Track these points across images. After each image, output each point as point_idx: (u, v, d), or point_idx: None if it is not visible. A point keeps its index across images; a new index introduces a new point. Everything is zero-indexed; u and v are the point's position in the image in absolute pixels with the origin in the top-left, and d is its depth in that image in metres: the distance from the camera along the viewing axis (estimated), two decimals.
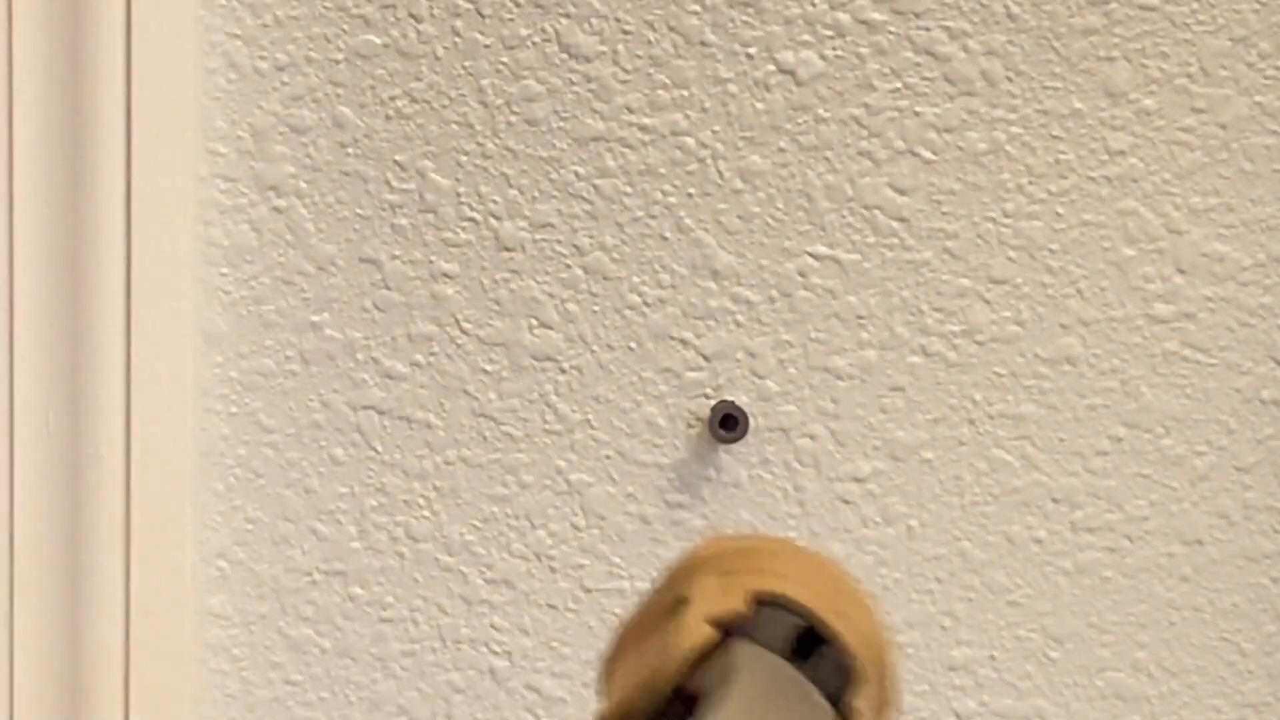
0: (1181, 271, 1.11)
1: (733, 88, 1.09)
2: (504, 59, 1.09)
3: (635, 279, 1.11)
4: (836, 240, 1.10)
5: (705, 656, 0.74)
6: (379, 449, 1.13)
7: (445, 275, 1.11)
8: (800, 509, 1.13)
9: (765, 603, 0.75)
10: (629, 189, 1.10)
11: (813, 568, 0.78)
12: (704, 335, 1.12)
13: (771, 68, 1.09)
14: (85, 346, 1.09)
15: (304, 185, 1.11)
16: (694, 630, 0.74)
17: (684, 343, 1.12)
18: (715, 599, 0.76)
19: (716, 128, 1.10)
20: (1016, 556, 1.14)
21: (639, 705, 0.75)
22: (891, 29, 1.09)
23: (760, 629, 0.75)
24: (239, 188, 1.11)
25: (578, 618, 1.15)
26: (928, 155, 1.10)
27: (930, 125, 1.09)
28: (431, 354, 1.12)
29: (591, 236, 1.11)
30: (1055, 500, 1.13)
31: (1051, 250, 1.11)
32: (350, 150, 1.10)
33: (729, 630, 0.74)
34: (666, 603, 0.77)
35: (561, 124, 1.10)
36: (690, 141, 1.10)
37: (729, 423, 1.11)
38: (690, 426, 1.12)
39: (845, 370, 1.12)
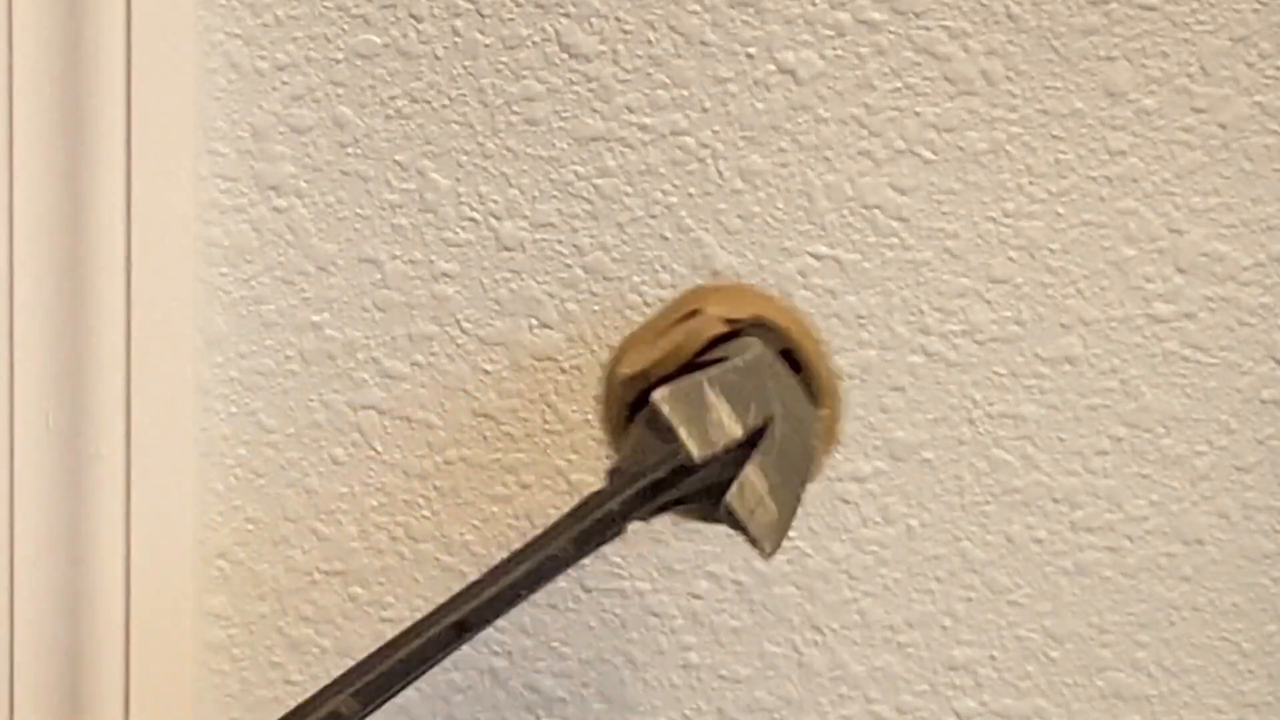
0: (1181, 271, 1.11)
1: (733, 88, 1.09)
2: (504, 59, 1.09)
3: (635, 279, 1.11)
4: (836, 240, 1.10)
5: (720, 344, 0.97)
6: (379, 449, 1.13)
7: (445, 275, 1.11)
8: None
9: (760, 324, 0.99)
10: (629, 189, 1.10)
11: (797, 310, 1.04)
12: None
13: (771, 68, 1.09)
14: (85, 346, 1.09)
15: (304, 185, 1.11)
16: (714, 323, 0.98)
17: None
18: (727, 309, 0.99)
19: (716, 128, 1.10)
20: (1016, 556, 1.14)
21: (655, 372, 0.98)
22: (891, 29, 1.09)
23: (759, 338, 0.97)
24: (239, 188, 1.11)
25: (578, 618, 1.15)
26: (928, 155, 1.10)
27: (930, 125, 1.09)
28: (431, 354, 1.12)
29: (591, 236, 1.11)
30: (1055, 500, 1.13)
31: (1051, 250, 1.11)
32: (350, 150, 1.10)
33: (737, 332, 0.98)
34: (677, 316, 1.00)
35: (561, 124, 1.10)
36: (690, 141, 1.10)
37: None
38: None
39: (845, 370, 1.12)
